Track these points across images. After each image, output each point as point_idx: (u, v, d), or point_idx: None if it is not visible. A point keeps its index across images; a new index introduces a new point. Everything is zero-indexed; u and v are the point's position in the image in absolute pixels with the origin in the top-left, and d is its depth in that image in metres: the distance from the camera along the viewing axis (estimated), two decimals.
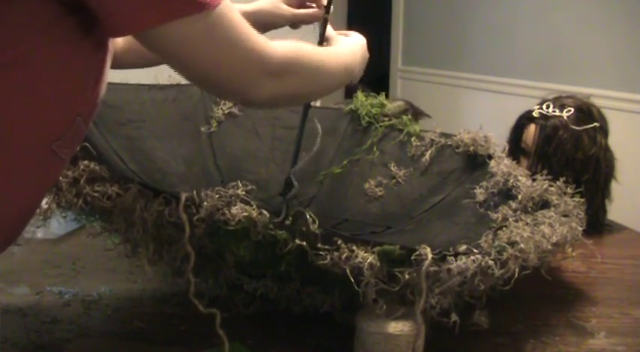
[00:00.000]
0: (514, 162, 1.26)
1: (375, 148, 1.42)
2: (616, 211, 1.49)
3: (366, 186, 1.37)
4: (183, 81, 1.37)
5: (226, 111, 1.42)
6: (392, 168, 1.38)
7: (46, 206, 0.88)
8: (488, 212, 1.13)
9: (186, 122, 1.36)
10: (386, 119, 1.45)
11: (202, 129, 1.38)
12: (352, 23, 4.49)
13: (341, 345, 0.89)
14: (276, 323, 0.99)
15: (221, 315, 0.83)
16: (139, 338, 0.96)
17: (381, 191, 1.36)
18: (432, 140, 1.37)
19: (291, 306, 0.95)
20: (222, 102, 1.43)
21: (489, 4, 3.17)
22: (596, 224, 1.40)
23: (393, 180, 1.37)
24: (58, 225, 1.30)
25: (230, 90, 0.76)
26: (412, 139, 1.39)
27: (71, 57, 0.68)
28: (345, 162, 1.41)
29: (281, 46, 0.77)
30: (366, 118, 1.45)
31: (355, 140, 1.45)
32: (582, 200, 1.10)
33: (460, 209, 1.20)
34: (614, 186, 1.45)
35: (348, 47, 0.94)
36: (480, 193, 1.19)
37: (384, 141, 1.42)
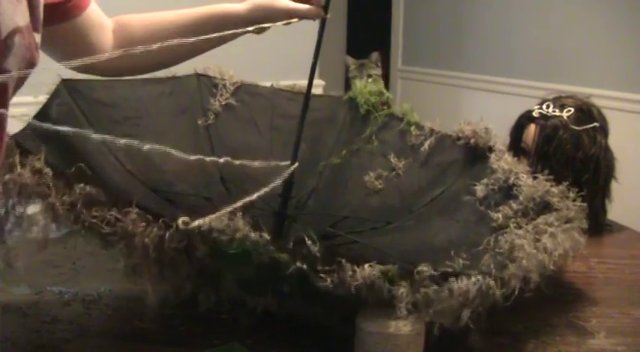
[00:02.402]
0: (514, 159, 1.25)
1: (374, 137, 1.40)
2: (616, 211, 1.48)
3: (366, 178, 1.36)
4: (179, 73, 1.36)
5: (223, 103, 1.40)
6: (391, 159, 1.36)
7: (42, 231, 0.86)
8: (489, 210, 1.13)
9: (184, 116, 1.34)
10: (385, 107, 1.44)
11: (199, 122, 1.36)
12: (352, 23, 4.49)
13: (341, 346, 0.89)
14: (276, 324, 0.99)
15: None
16: (139, 338, 0.96)
17: (380, 184, 1.35)
18: (432, 129, 1.35)
19: (291, 319, 0.95)
20: (219, 93, 1.41)
21: (489, 4, 3.17)
22: (596, 224, 1.40)
23: (393, 172, 1.35)
24: (58, 225, 1.30)
25: None
26: (412, 128, 1.38)
27: None
28: (344, 151, 1.40)
29: None
30: (365, 106, 1.44)
31: (354, 129, 1.43)
32: (584, 205, 1.10)
33: (460, 205, 1.20)
34: (614, 186, 1.45)
35: None
36: (480, 190, 1.18)
37: (384, 130, 1.41)
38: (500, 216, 1.09)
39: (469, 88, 3.27)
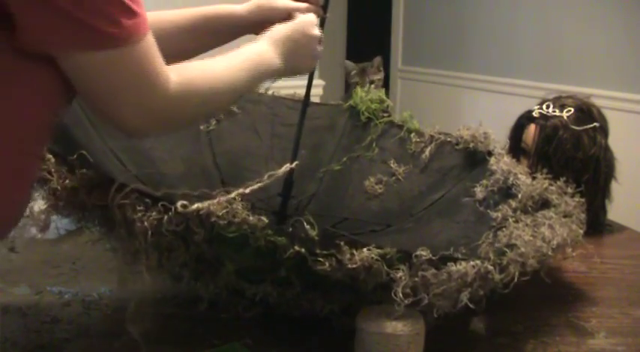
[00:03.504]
0: (514, 160, 1.26)
1: (374, 145, 1.41)
2: (616, 211, 1.48)
3: (366, 183, 1.37)
4: None
5: None
6: (392, 165, 1.37)
7: (43, 215, 0.87)
8: (488, 210, 1.13)
9: None
10: (385, 115, 1.45)
11: (201, 127, 1.37)
12: (352, 23, 4.49)
13: (341, 346, 0.89)
14: (276, 323, 0.99)
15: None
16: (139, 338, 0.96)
17: (380, 188, 1.36)
18: (432, 136, 1.37)
19: (290, 311, 0.95)
20: None
21: (489, 5, 3.17)
22: (596, 224, 1.40)
23: (393, 178, 1.36)
24: (58, 225, 1.30)
25: (115, 123, 0.77)
26: (412, 136, 1.39)
27: (39, 61, 0.68)
28: (345, 158, 1.41)
29: (177, 81, 0.76)
30: (366, 114, 1.45)
31: (355, 136, 1.44)
32: (582, 200, 1.10)
33: (460, 207, 1.20)
34: (614, 186, 1.45)
35: (263, 48, 0.93)
36: (479, 191, 1.19)
37: (384, 137, 1.42)
38: (499, 215, 1.09)
39: (469, 88, 3.27)
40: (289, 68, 0.96)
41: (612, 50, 2.58)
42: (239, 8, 1.07)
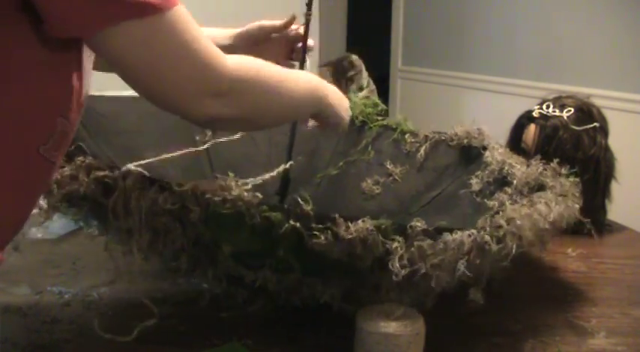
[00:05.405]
0: (508, 150, 1.26)
1: (370, 148, 1.42)
2: (616, 211, 1.49)
3: (363, 185, 1.38)
4: None
5: None
6: (388, 166, 1.38)
7: (45, 206, 0.87)
8: (485, 200, 1.14)
9: (183, 131, 1.35)
10: (380, 118, 1.46)
11: (197, 137, 1.38)
12: (352, 23, 4.49)
13: (341, 345, 0.89)
14: (276, 323, 0.99)
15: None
16: (138, 338, 0.96)
17: (377, 189, 1.37)
18: (426, 136, 1.38)
19: (290, 298, 0.95)
20: None
21: (489, 5, 3.17)
22: (596, 224, 1.40)
23: (390, 178, 1.37)
24: (58, 225, 1.30)
25: (168, 103, 0.74)
26: (406, 136, 1.40)
27: (45, 57, 0.67)
28: (342, 163, 1.42)
29: (234, 62, 0.75)
30: (360, 118, 1.45)
31: (350, 141, 1.45)
32: (577, 180, 1.11)
33: (457, 200, 1.21)
34: (614, 186, 1.45)
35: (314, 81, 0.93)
36: (475, 183, 1.19)
37: (379, 139, 1.43)
38: (496, 203, 1.09)
39: (469, 88, 3.27)
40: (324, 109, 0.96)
41: (612, 50, 2.58)
42: (223, 38, 1.08)
